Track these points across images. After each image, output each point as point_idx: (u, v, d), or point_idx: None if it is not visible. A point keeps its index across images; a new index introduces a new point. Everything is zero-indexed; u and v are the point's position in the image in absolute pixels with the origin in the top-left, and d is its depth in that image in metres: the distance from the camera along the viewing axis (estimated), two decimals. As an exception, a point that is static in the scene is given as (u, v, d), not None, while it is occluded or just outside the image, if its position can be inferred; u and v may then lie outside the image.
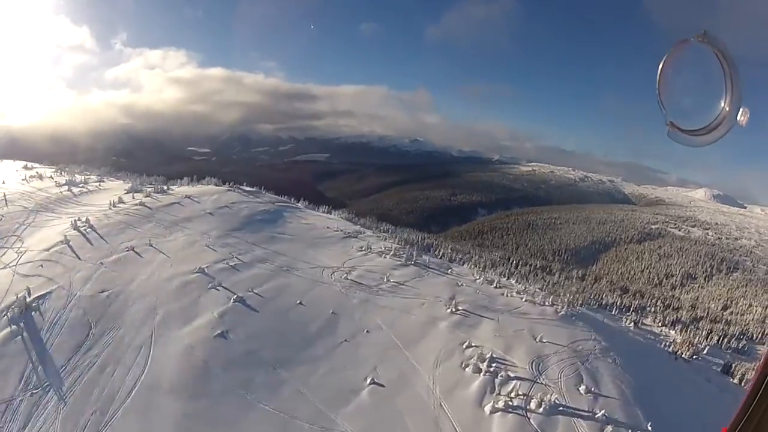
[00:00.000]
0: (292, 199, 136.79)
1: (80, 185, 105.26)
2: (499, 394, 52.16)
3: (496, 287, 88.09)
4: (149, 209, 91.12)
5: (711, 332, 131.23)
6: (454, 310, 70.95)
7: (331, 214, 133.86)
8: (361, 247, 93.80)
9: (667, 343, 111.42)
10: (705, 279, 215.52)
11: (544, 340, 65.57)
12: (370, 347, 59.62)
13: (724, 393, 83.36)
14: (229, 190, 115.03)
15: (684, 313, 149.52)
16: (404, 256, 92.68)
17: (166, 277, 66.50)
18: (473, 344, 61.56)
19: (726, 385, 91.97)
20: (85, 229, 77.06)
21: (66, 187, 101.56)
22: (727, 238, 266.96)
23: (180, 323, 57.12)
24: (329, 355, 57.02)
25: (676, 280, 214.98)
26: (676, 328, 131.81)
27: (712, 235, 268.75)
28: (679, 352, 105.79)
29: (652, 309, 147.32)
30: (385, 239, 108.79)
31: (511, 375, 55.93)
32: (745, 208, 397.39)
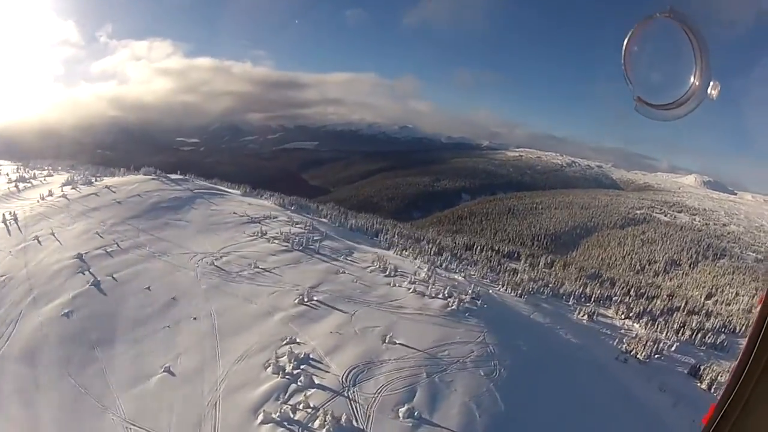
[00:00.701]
0: (228, 185, 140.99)
1: (28, 180, 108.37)
2: (284, 403, 45.88)
3: (388, 275, 79.90)
4: (68, 200, 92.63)
5: (684, 325, 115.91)
6: (304, 300, 64.61)
7: (266, 200, 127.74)
8: (255, 233, 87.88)
9: (624, 340, 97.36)
10: (690, 266, 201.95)
11: (396, 342, 56.87)
12: (187, 335, 57.55)
13: (679, 406, 69.78)
14: (153, 179, 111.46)
15: (658, 303, 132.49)
16: (295, 241, 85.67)
17: (50, 263, 68.74)
18: (297, 341, 56.35)
19: (687, 394, 76.76)
20: (9, 222, 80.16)
21: (14, 183, 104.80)
22: (715, 224, 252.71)
23: (43, 303, 59.75)
24: (146, 339, 56.35)
25: (659, 267, 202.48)
26: (642, 320, 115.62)
27: (700, 221, 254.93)
28: (634, 351, 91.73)
29: (620, 298, 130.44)
30: (295, 224, 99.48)
31: (316, 382, 49.04)
32: (736, 194, 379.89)
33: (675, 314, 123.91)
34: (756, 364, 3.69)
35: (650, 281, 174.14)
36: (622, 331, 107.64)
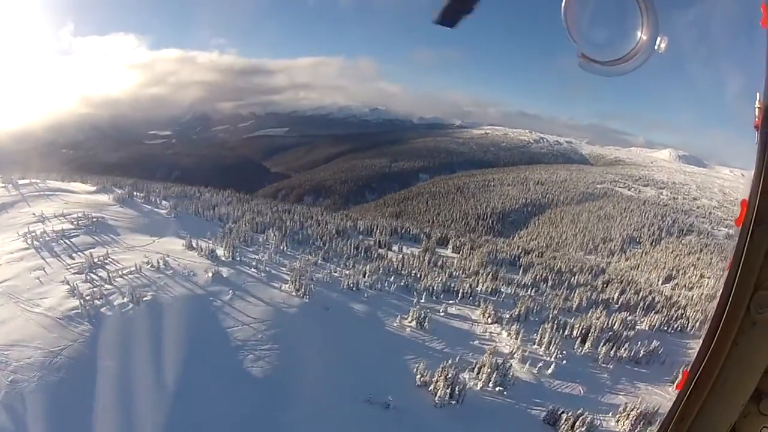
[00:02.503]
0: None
1: None
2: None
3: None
4: None
5: (591, 330, 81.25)
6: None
7: (108, 194, 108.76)
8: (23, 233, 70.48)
9: (446, 361, 62.85)
10: (651, 243, 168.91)
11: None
12: None
13: None
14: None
15: (578, 295, 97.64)
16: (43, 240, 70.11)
17: None
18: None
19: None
20: None
21: None
22: (684, 198, 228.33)
23: None
24: None
25: (614, 246, 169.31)
26: (514, 325, 78.94)
27: (667, 195, 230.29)
28: (435, 386, 57.84)
29: (516, 293, 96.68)
30: (79, 223, 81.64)
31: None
32: (712, 168, 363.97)
33: (593, 312, 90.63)
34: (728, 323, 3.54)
35: (598, 263, 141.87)
36: (475, 342, 74.21)
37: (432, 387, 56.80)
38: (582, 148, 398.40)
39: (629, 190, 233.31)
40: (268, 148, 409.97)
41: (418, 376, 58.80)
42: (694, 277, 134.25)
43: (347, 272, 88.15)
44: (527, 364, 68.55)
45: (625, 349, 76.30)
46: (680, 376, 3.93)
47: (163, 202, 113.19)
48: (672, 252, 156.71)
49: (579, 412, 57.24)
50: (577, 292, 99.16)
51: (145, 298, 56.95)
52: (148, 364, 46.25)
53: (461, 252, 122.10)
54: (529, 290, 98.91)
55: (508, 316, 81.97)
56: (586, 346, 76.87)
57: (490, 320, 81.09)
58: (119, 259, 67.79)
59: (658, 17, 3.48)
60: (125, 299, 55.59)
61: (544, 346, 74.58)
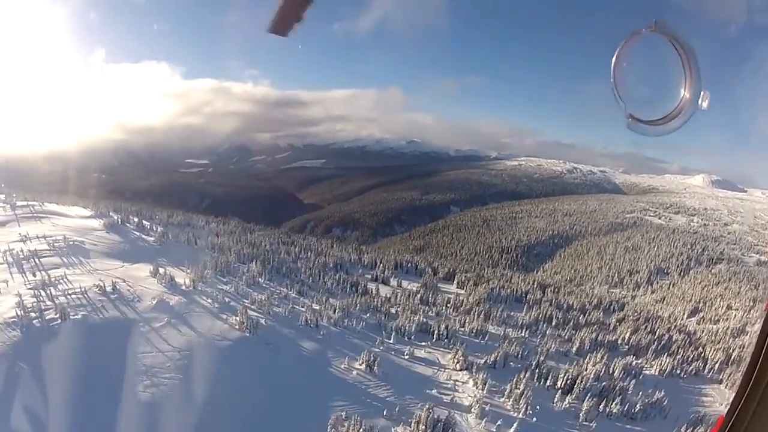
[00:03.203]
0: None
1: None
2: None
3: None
4: None
5: (589, 378, 72.32)
6: None
7: (98, 219, 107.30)
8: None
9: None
10: (679, 274, 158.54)
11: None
12: None
13: None
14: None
15: (591, 335, 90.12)
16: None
17: None
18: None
19: None
20: None
21: None
22: (714, 224, 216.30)
23: None
24: None
25: (641, 278, 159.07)
26: (483, 373, 69.02)
27: (698, 222, 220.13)
28: None
29: (506, 333, 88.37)
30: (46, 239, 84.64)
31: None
32: (745, 191, 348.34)
33: (591, 356, 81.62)
34: (762, 375, 3.58)
35: (619, 297, 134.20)
36: (432, 391, 65.46)
37: None
38: (616, 177, 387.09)
39: (659, 218, 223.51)
40: (303, 180, 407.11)
41: (330, 427, 52.15)
42: (720, 308, 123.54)
43: (316, 307, 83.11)
44: (485, 420, 59.40)
45: (617, 403, 67.11)
46: (716, 423, 3.79)
47: (159, 229, 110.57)
48: (700, 283, 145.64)
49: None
50: (582, 332, 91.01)
51: (74, 317, 58.17)
52: (44, 374, 48.09)
53: (465, 288, 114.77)
54: (524, 331, 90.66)
55: (482, 361, 73.50)
56: (569, 399, 67.44)
57: (458, 366, 72.62)
58: (75, 280, 68.24)
59: (700, 75, 3.49)
60: (56, 315, 57.35)
61: (513, 398, 65.14)
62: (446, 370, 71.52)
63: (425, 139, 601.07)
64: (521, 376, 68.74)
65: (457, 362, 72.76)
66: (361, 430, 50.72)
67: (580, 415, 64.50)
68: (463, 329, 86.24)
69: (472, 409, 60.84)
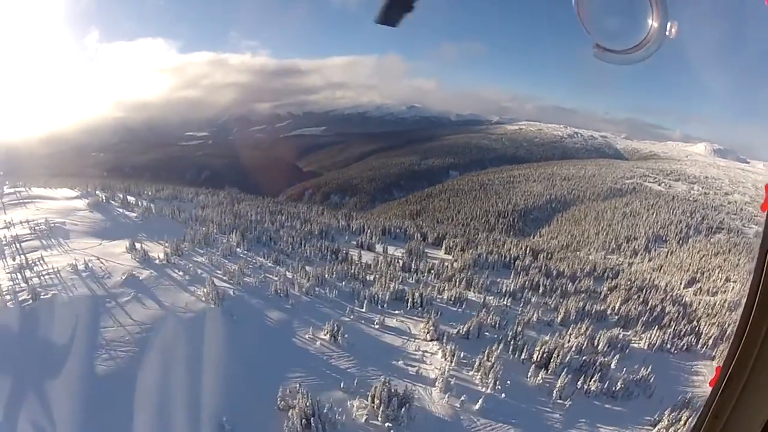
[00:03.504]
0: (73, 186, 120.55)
1: None
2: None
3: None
4: None
5: (569, 351, 66.54)
6: None
7: (81, 199, 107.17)
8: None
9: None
10: (678, 242, 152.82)
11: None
12: None
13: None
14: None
15: (579, 304, 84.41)
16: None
17: None
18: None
19: None
20: None
21: None
22: (715, 193, 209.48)
23: None
24: None
25: (639, 245, 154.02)
26: (452, 344, 63.53)
27: (698, 190, 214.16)
28: (289, 423, 44.32)
29: (485, 301, 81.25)
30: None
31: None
32: (748, 163, 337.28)
33: (575, 327, 76.32)
34: (759, 318, 3.58)
35: (615, 264, 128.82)
36: (398, 362, 60.37)
37: (291, 413, 44.96)
38: (617, 142, 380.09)
39: (659, 185, 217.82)
40: (303, 148, 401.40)
41: (279, 399, 47.38)
42: (719, 280, 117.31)
43: (289, 276, 78.93)
44: (448, 395, 53.98)
45: (596, 379, 61.19)
46: (714, 372, 3.83)
47: (145, 204, 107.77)
48: (699, 252, 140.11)
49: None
50: (569, 301, 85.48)
51: (44, 296, 56.85)
52: (7, 351, 48.03)
53: (453, 253, 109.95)
54: (506, 299, 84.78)
55: (455, 331, 68.13)
56: (543, 374, 61.80)
57: (428, 336, 66.97)
58: (51, 261, 66.79)
59: (666, 3, 3.48)
60: (29, 296, 56.18)
61: (481, 372, 59.13)
62: (416, 341, 66.64)
63: (426, 105, 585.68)
64: (493, 348, 63.18)
65: (428, 332, 67.30)
66: (309, 402, 45.36)
67: (554, 392, 58.58)
68: (441, 297, 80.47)
69: (437, 383, 55.33)
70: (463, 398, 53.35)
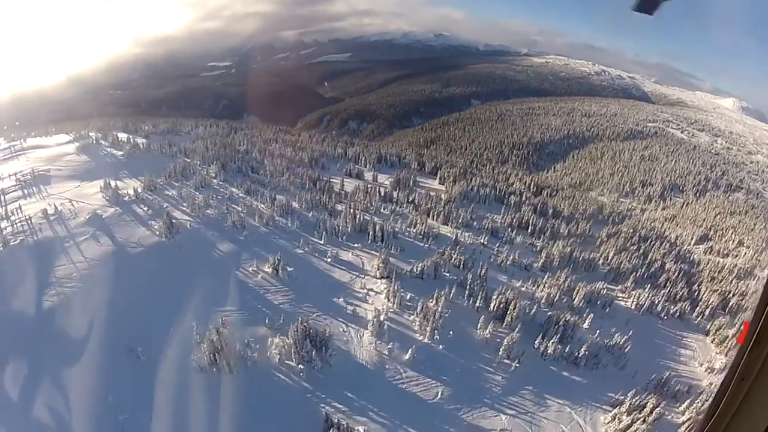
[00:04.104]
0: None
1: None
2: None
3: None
4: None
5: (534, 302, 60.81)
6: None
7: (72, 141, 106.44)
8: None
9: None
10: (695, 194, 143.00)
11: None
12: None
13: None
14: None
15: (567, 248, 76.15)
16: None
17: None
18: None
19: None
20: None
21: None
22: (738, 150, 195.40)
23: None
24: None
25: (654, 191, 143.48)
26: (398, 284, 57.18)
27: (721, 144, 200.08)
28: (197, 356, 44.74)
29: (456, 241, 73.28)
30: None
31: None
32: None
33: (558, 274, 67.65)
34: None
35: (624, 208, 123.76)
36: (338, 299, 56.07)
37: (202, 347, 43.54)
38: (645, 85, 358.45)
39: (682, 132, 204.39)
40: (326, 74, 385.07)
41: (195, 333, 44.89)
42: (732, 242, 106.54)
43: (256, 206, 75.00)
44: (378, 341, 49.17)
45: (554, 341, 52.27)
46: (742, 328, 3.74)
47: (138, 141, 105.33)
48: (715, 208, 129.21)
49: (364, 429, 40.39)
50: (557, 244, 76.74)
51: (13, 243, 57.76)
52: None
53: (446, 184, 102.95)
54: (485, 236, 75.82)
55: (408, 269, 61.28)
56: (492, 327, 53.09)
57: (378, 274, 59.97)
58: (27, 209, 66.74)
59: None
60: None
61: (422, 317, 52.17)
62: (365, 277, 60.61)
63: (454, 33, 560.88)
64: (443, 292, 55.66)
65: (378, 269, 60.35)
66: (219, 338, 43.92)
67: (501, 350, 50.55)
68: (410, 230, 73.70)
69: (369, 326, 50.49)
70: (392, 345, 48.94)
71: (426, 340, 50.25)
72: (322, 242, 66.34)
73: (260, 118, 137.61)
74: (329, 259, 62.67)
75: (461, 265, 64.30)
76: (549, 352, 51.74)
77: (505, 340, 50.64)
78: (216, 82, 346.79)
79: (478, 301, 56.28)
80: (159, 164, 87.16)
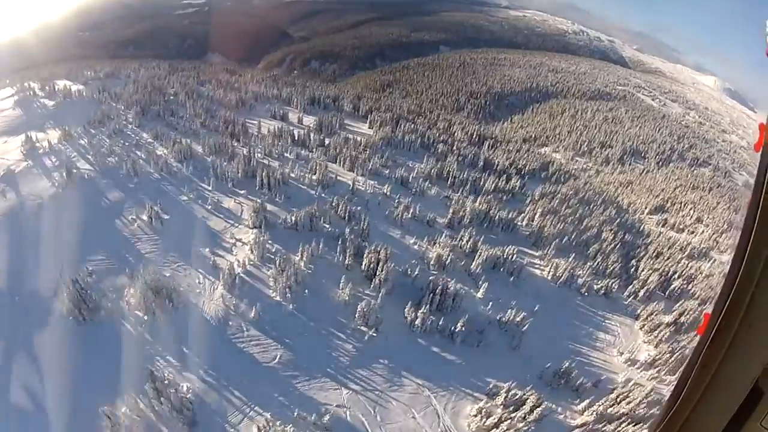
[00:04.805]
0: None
1: None
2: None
3: None
4: None
5: (423, 262, 53.56)
6: None
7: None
8: None
9: None
10: (657, 163, 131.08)
11: None
12: None
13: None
14: None
15: (483, 206, 66.35)
16: None
17: None
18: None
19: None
20: None
21: None
22: (712, 127, 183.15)
23: None
24: None
25: (613, 153, 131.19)
26: (263, 236, 53.83)
27: (693, 117, 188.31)
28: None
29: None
30: None
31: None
32: (755, 111, 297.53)
33: (464, 232, 58.85)
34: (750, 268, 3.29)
35: (579, 168, 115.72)
36: (204, 250, 53.19)
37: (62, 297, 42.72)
38: (624, 50, 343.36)
39: (653, 100, 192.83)
40: (298, 15, 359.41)
41: (61, 282, 43.48)
42: (689, 218, 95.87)
43: (158, 152, 72.50)
44: (227, 296, 46.32)
45: (425, 311, 43.91)
46: (702, 320, 3.63)
47: (76, 89, 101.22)
48: (677, 180, 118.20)
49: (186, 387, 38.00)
50: (476, 201, 67.22)
51: None
52: None
53: (373, 128, 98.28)
54: (388, 187, 68.71)
55: (282, 219, 57.04)
56: (350, 288, 46.50)
57: (251, 223, 56.31)
58: None
59: None
60: None
61: (277, 272, 47.73)
62: (239, 227, 58.25)
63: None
64: (311, 246, 50.61)
65: (251, 218, 57.17)
66: (79, 291, 42.25)
67: (355, 317, 44.71)
68: (308, 176, 69.42)
69: (222, 277, 47.44)
70: (240, 302, 45.97)
71: (278, 298, 46.59)
72: (210, 188, 64.50)
73: (224, 57, 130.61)
74: (209, 207, 60.55)
75: (347, 217, 58.82)
76: (417, 323, 43.40)
77: (361, 304, 44.62)
78: (184, 21, 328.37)
79: (347, 258, 48.85)
80: (86, 112, 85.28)
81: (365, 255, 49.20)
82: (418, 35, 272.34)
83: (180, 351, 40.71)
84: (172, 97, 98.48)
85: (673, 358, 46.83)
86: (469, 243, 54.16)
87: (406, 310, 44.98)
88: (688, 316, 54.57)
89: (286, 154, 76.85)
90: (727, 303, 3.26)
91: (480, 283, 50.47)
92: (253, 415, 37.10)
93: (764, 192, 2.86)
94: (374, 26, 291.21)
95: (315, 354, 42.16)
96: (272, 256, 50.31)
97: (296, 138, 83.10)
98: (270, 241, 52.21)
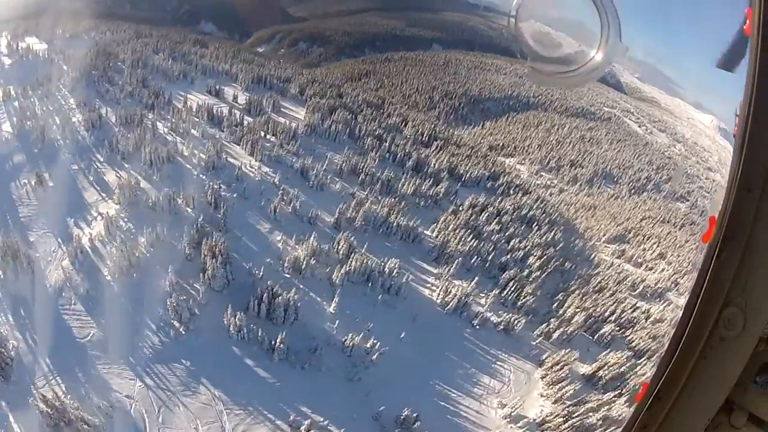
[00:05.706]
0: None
1: None
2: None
3: None
4: None
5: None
6: None
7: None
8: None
9: None
10: (629, 190, 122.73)
11: None
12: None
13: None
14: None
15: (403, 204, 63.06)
16: None
17: None
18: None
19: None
20: None
21: None
22: (698, 163, 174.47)
23: None
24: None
25: (581, 174, 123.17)
26: (124, 214, 54.81)
27: (679, 150, 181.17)
28: None
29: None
30: None
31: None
32: None
33: (340, 235, 52.89)
34: (690, 340, 3.37)
35: (545, 183, 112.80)
36: (71, 220, 54.57)
37: None
38: (622, 75, 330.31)
39: (639, 126, 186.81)
40: None
41: None
42: (652, 252, 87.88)
43: (74, 120, 72.45)
44: (70, 269, 46.78)
45: (240, 318, 40.03)
46: (640, 388, 3.68)
47: (36, 47, 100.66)
48: (648, 210, 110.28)
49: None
50: (384, 201, 61.58)
51: None
52: None
53: (308, 113, 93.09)
54: (282, 175, 65.05)
55: (149, 198, 56.30)
56: (175, 278, 45.47)
57: (116, 198, 56.39)
58: None
59: (617, 32, 3.53)
60: None
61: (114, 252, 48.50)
62: (108, 201, 57.86)
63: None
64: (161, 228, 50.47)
65: (116, 194, 57.08)
66: None
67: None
68: (201, 156, 67.02)
69: (71, 250, 47.98)
70: (74, 275, 46.19)
71: (109, 277, 46.81)
72: (102, 160, 64.84)
73: (217, 28, 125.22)
74: (92, 178, 60.97)
75: (213, 203, 56.93)
76: (232, 329, 40.93)
77: (173, 297, 43.36)
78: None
79: (187, 248, 48.12)
80: (35, 73, 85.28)
81: (204, 245, 45.04)
82: (413, 30, 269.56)
83: (18, 312, 42.07)
84: (119, 64, 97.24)
85: (568, 424, 37.51)
86: (343, 247, 46.27)
87: (228, 312, 40.15)
88: (608, 371, 45.17)
89: (193, 131, 74.98)
90: (667, 372, 3.25)
91: (336, 294, 43.66)
92: (53, 384, 37.64)
93: (709, 278, 2.97)
94: (373, 15, 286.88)
95: (123, 340, 41.98)
96: (122, 236, 50.13)
97: (213, 115, 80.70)
98: (125, 219, 51.96)
